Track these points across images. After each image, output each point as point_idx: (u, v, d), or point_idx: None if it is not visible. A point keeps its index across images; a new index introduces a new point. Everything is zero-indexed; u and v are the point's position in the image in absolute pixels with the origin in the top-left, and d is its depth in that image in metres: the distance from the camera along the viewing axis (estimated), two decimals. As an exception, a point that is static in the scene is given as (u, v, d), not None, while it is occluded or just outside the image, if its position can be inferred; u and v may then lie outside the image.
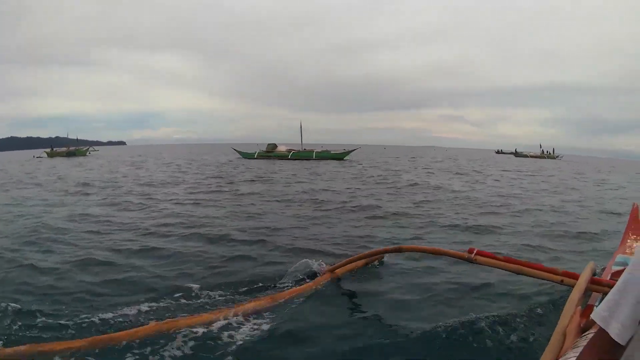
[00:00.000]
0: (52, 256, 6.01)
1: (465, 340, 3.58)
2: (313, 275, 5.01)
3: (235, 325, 3.72)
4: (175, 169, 26.16)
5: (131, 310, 4.02)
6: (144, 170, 25.63)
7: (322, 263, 5.26)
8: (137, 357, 3.19)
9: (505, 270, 4.04)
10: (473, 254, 4.12)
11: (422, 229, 8.29)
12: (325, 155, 37.32)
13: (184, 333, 3.48)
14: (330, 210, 10.42)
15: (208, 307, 4.15)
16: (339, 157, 37.65)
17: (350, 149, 40.43)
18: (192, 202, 11.73)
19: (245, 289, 4.70)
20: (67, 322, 3.71)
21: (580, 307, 2.88)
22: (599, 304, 3.27)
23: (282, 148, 38.76)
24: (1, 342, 3.33)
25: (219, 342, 3.47)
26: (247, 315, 3.88)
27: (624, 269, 3.43)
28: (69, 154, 49.96)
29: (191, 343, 3.40)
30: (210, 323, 3.68)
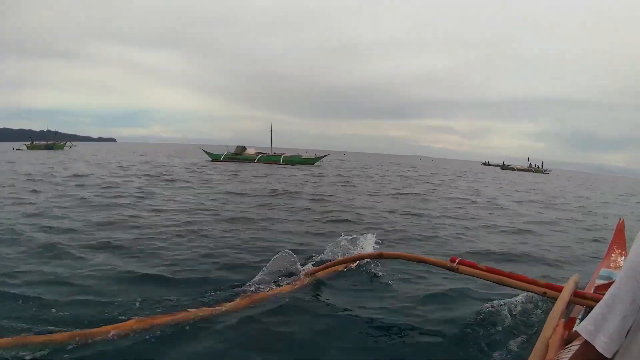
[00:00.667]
0: None
1: (444, 350, 3.58)
2: (291, 276, 5.01)
3: (210, 325, 3.72)
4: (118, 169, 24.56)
5: (102, 308, 4.00)
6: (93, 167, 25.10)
7: (296, 261, 5.22)
8: (112, 352, 3.21)
9: (488, 280, 4.03)
10: (455, 263, 4.10)
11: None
12: (295, 160, 36.69)
13: (157, 331, 3.50)
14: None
15: (184, 305, 4.12)
16: (310, 162, 37.26)
17: (322, 155, 40.11)
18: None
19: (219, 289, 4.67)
20: None
21: (563, 319, 2.87)
22: (582, 317, 3.27)
23: (251, 151, 38.19)
24: None
25: (195, 340, 3.48)
26: (223, 316, 3.89)
27: (608, 282, 3.42)
28: (47, 148, 50.68)
29: (164, 340, 3.42)
30: (186, 321, 3.69)
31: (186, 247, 6.51)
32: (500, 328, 3.95)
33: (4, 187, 13.49)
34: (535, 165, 73.51)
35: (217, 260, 5.80)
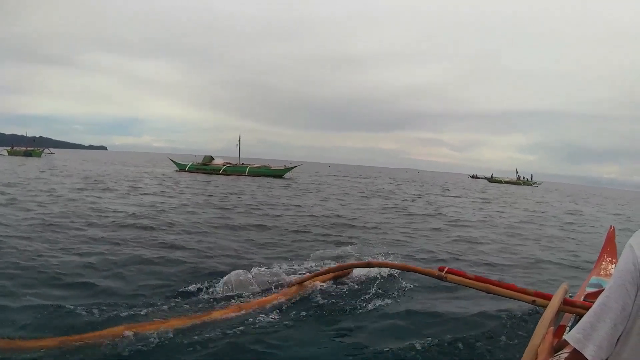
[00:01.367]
0: None
1: (433, 359, 3.58)
2: (280, 285, 5.03)
3: (198, 332, 3.75)
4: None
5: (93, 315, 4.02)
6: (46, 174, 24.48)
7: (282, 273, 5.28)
8: (102, 357, 3.26)
9: (476, 289, 4.04)
10: (444, 272, 4.12)
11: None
12: (263, 172, 35.83)
13: (150, 337, 3.54)
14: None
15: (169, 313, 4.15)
16: (278, 173, 36.31)
17: (291, 166, 39.10)
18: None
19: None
20: None
21: (552, 327, 2.86)
22: (571, 325, 3.27)
23: (218, 161, 37.11)
24: None
25: (184, 347, 3.50)
26: (212, 323, 3.92)
27: (598, 290, 3.40)
28: (26, 154, 50.55)
29: (155, 347, 3.45)
30: (176, 328, 3.73)
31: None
32: (489, 336, 3.98)
33: None
34: (523, 177, 74.03)
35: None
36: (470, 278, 4.06)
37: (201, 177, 30.58)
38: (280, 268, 5.61)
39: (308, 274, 5.33)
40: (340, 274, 5.40)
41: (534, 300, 3.76)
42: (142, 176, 27.39)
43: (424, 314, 4.60)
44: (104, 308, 4.15)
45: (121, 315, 4.02)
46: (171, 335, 3.62)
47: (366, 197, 21.48)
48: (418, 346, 3.80)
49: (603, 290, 2.45)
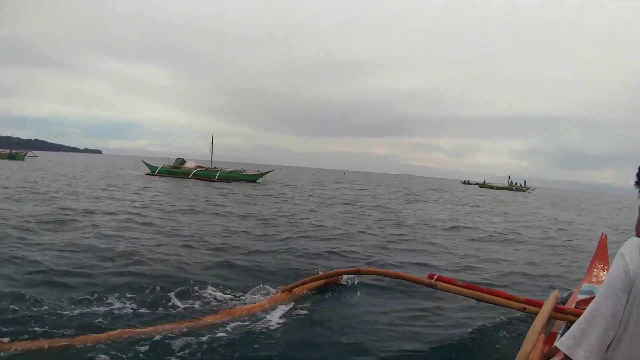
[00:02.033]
0: None
1: None
2: (268, 292, 5.05)
3: (187, 338, 3.76)
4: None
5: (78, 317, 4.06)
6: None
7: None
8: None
9: (466, 296, 4.05)
10: (434, 280, 4.13)
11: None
12: (235, 176, 34.85)
13: (138, 342, 3.58)
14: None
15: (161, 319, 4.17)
16: (251, 178, 35.43)
17: (266, 171, 38.11)
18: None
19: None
20: None
21: (543, 334, 2.87)
22: (563, 332, 3.28)
23: (190, 164, 36.13)
24: None
25: (172, 353, 3.52)
26: (201, 329, 3.93)
27: (590, 297, 3.43)
28: (10, 157, 49.68)
29: (144, 352, 3.47)
30: (165, 334, 3.75)
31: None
32: (479, 344, 3.99)
33: None
34: (516, 183, 74.14)
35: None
36: (460, 286, 4.07)
37: (164, 180, 29.96)
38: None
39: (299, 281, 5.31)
40: (329, 281, 5.41)
41: (524, 308, 3.76)
42: (101, 180, 26.08)
43: (413, 320, 4.62)
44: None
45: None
46: (159, 341, 3.64)
47: (321, 204, 19.38)
48: (408, 352, 3.83)
49: (595, 297, 2.45)
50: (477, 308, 4.71)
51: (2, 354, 3.21)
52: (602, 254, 5.16)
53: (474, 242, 10.99)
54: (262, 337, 3.95)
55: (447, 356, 3.80)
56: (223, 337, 3.86)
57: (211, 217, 12.30)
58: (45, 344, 3.39)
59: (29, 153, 60.57)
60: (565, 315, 3.42)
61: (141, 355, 3.43)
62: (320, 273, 5.46)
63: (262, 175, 36.67)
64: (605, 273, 4.81)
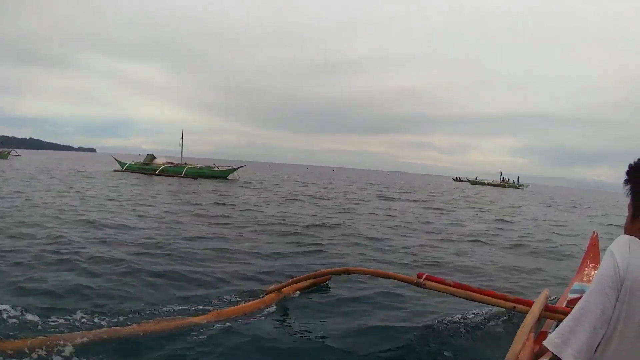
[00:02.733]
0: None
1: None
2: (259, 294, 5.05)
3: (176, 338, 3.78)
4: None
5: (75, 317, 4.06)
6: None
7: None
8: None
9: (456, 296, 4.06)
10: (422, 279, 4.13)
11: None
12: (203, 172, 34.38)
13: (126, 341, 3.61)
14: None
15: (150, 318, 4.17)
16: (221, 174, 34.96)
17: (236, 167, 37.22)
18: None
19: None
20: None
21: (533, 333, 2.87)
22: (553, 331, 3.29)
23: (160, 160, 35.83)
24: None
25: (160, 353, 3.54)
26: (190, 329, 3.95)
27: (580, 296, 3.43)
28: None
29: (131, 352, 3.51)
30: (151, 334, 3.77)
31: None
32: (469, 344, 4.01)
33: None
34: (507, 180, 74.60)
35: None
36: (449, 285, 4.08)
37: (126, 177, 29.48)
38: None
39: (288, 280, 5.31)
40: (318, 281, 5.41)
41: (514, 307, 3.79)
42: (63, 177, 25.42)
43: (403, 319, 4.63)
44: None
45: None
46: (146, 341, 3.65)
47: (276, 202, 18.43)
48: (397, 351, 3.85)
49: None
50: (466, 307, 4.71)
51: None
52: (594, 253, 5.18)
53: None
54: (251, 338, 3.94)
55: (436, 356, 3.81)
56: (211, 338, 3.84)
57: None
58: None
59: (13, 152, 60.49)
60: (555, 314, 3.43)
61: (127, 356, 3.43)
62: (308, 273, 5.43)
63: (232, 171, 36.02)
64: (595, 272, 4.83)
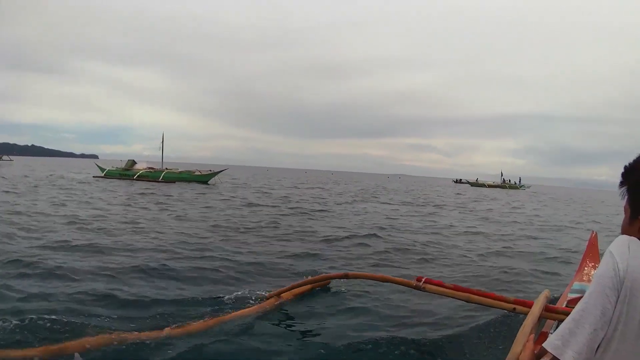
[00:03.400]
0: None
1: None
2: (259, 299, 5.05)
3: (176, 344, 3.79)
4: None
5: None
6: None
7: None
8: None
9: (455, 298, 4.08)
10: (422, 282, 4.15)
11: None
12: (185, 177, 34.21)
13: (127, 348, 3.61)
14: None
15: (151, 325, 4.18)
16: (201, 179, 34.54)
17: (217, 170, 36.88)
18: None
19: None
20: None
21: (533, 334, 2.87)
22: (554, 332, 3.29)
23: (140, 166, 35.48)
24: None
25: (157, 359, 3.55)
26: (190, 335, 3.96)
27: (580, 296, 3.43)
28: None
29: (130, 358, 3.52)
30: (150, 341, 3.77)
31: None
32: (469, 345, 4.02)
33: None
34: (509, 180, 74.47)
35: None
36: (449, 288, 4.09)
37: (104, 182, 29.40)
38: None
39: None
40: (317, 285, 5.42)
41: (514, 308, 3.78)
42: (37, 183, 24.90)
43: (402, 322, 4.64)
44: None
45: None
46: (144, 347, 3.66)
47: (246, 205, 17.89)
48: (397, 354, 3.84)
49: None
50: (465, 310, 4.73)
51: None
52: (593, 252, 5.18)
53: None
54: (251, 343, 3.95)
55: (436, 358, 3.83)
56: (211, 344, 3.85)
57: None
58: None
59: (4, 157, 61.02)
60: (556, 314, 3.42)
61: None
62: (309, 277, 5.46)
63: (213, 175, 35.67)
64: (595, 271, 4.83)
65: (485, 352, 3.92)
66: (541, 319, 3.38)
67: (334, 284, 5.61)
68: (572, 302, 3.68)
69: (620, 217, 1.62)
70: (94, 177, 34.56)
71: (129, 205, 15.66)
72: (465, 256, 8.88)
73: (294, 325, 4.53)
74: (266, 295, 5.07)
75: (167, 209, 14.86)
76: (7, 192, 17.80)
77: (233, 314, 4.50)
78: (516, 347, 2.59)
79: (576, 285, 4.30)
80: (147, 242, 8.67)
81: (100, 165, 38.49)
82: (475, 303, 4.02)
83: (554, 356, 1.43)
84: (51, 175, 35.05)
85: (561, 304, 3.82)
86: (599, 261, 5.02)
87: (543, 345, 1.48)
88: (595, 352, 1.41)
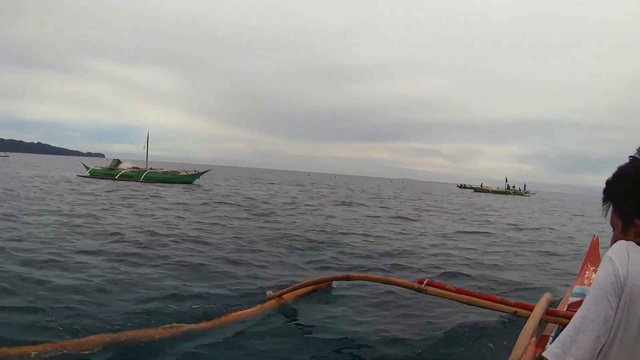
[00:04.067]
0: None
1: None
2: (261, 300, 5.06)
3: (178, 345, 3.81)
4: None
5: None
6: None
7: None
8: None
9: (457, 301, 4.11)
10: (424, 285, 4.17)
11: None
12: (167, 177, 33.65)
13: (128, 348, 3.63)
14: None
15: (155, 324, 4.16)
16: (185, 180, 34.10)
17: (202, 171, 36.56)
18: None
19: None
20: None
21: (535, 338, 2.89)
22: (555, 335, 3.31)
23: (125, 165, 35.03)
24: None
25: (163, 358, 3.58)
26: (190, 336, 3.97)
27: (581, 300, 3.45)
28: None
29: (131, 358, 3.56)
30: (157, 339, 3.80)
31: None
32: (470, 349, 4.03)
33: None
34: (514, 187, 74.22)
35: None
36: (451, 290, 4.12)
37: (85, 181, 28.99)
38: None
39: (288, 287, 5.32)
40: (319, 287, 5.43)
41: (515, 312, 3.82)
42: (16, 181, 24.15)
43: (404, 325, 4.65)
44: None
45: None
46: (145, 347, 3.67)
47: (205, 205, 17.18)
48: (398, 356, 3.86)
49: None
50: (467, 312, 4.75)
51: None
52: (594, 256, 5.21)
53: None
54: (252, 344, 3.96)
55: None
56: (212, 345, 3.87)
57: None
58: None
59: (0, 153, 61.57)
60: (557, 318, 3.44)
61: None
62: (309, 279, 5.45)
63: (197, 176, 35.34)
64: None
65: (487, 355, 3.93)
66: (542, 323, 3.39)
67: (336, 286, 5.63)
68: (573, 306, 3.70)
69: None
70: (77, 176, 34.21)
71: (82, 204, 14.66)
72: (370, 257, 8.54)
73: (295, 327, 4.54)
74: (267, 296, 5.08)
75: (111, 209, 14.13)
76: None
77: (235, 314, 4.51)
78: (517, 350, 2.61)
79: (577, 289, 4.32)
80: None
81: (85, 164, 38.14)
82: (476, 306, 4.04)
83: None
84: (35, 173, 34.75)
85: (562, 308, 3.83)
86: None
87: (543, 354, 1.46)
88: (596, 358, 1.40)
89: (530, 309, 3.54)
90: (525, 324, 3.11)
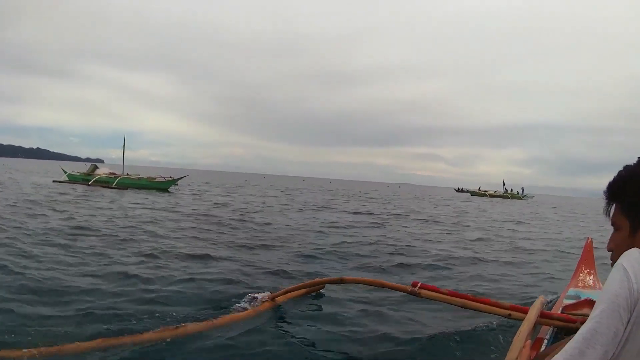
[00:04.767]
0: None
1: None
2: (252, 301, 5.05)
3: (171, 348, 3.79)
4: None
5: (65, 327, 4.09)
6: None
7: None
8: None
9: (450, 304, 4.08)
10: (417, 288, 4.15)
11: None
12: (142, 184, 32.98)
13: (121, 351, 3.61)
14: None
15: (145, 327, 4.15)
16: (161, 186, 33.10)
17: (178, 177, 36.14)
18: None
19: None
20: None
21: (529, 340, 2.87)
22: (549, 337, 3.29)
23: (101, 171, 34.62)
24: None
25: None
26: (183, 338, 3.96)
27: (576, 302, 3.43)
28: None
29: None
30: (144, 344, 3.77)
31: None
32: (464, 352, 4.01)
33: None
34: (511, 190, 74.08)
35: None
36: (444, 293, 4.11)
37: (59, 186, 28.58)
38: None
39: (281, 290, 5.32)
40: (312, 290, 5.43)
41: (510, 314, 3.81)
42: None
43: (397, 328, 4.63)
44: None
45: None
46: (139, 351, 3.67)
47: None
48: (392, 358, 3.89)
49: (581, 302, 2.40)
50: (461, 315, 4.73)
51: None
52: (588, 259, 5.21)
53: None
54: (245, 347, 3.95)
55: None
56: (204, 348, 3.86)
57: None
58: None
59: None
60: (551, 320, 3.43)
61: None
62: (302, 282, 5.47)
63: (173, 182, 34.58)
64: (591, 278, 4.87)
65: (481, 358, 3.92)
66: (537, 325, 3.38)
67: (328, 289, 5.61)
68: (568, 308, 3.69)
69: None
70: (53, 181, 33.53)
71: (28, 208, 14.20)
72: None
73: (288, 330, 4.53)
74: (261, 299, 5.07)
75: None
76: None
77: (227, 317, 4.50)
78: (512, 353, 2.59)
79: (571, 291, 4.31)
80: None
81: (64, 168, 37.76)
82: (470, 309, 4.03)
83: None
84: (10, 178, 34.56)
85: (557, 310, 3.82)
86: (594, 267, 5.06)
87: None
88: None
89: (525, 311, 3.53)
90: (519, 326, 3.10)
